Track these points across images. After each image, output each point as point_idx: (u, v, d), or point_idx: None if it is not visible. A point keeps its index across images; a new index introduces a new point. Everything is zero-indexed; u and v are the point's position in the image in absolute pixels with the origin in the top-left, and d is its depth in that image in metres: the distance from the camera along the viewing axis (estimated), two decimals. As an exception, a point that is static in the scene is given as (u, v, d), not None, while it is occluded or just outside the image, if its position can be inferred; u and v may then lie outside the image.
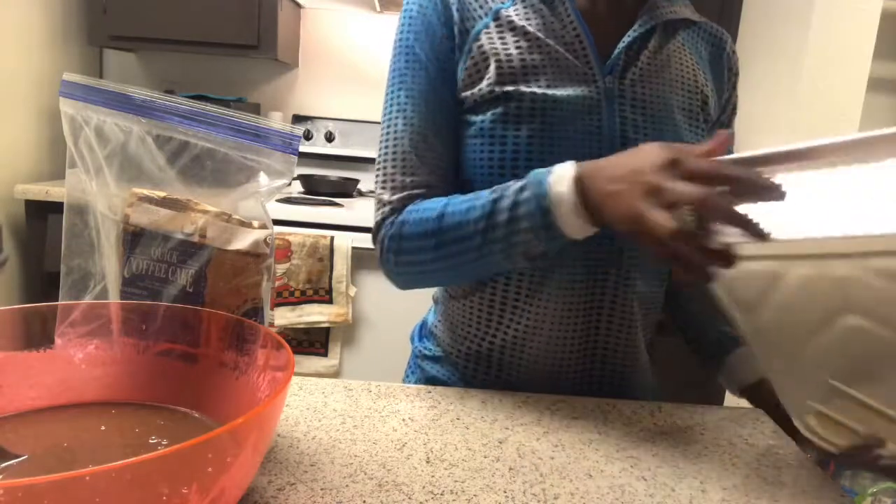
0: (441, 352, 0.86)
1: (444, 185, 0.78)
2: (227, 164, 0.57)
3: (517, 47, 0.75)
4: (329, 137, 2.47)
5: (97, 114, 0.56)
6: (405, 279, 0.78)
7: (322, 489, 0.53)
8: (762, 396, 0.80)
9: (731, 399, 1.32)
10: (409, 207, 0.76)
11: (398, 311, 2.00)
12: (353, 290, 1.97)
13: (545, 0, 0.78)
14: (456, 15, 0.77)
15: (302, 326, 1.94)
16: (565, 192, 0.63)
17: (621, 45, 0.76)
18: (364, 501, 0.52)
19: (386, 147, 0.79)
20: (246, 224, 0.59)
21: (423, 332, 0.91)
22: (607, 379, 0.80)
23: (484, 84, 0.75)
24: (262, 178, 0.58)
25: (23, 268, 2.10)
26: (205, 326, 0.57)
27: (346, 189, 2.35)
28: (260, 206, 0.60)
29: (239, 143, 0.57)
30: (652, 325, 0.85)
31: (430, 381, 0.86)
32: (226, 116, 0.57)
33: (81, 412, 0.54)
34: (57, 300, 0.57)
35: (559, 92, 0.74)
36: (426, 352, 0.88)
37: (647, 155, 0.59)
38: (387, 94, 0.80)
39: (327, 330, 1.99)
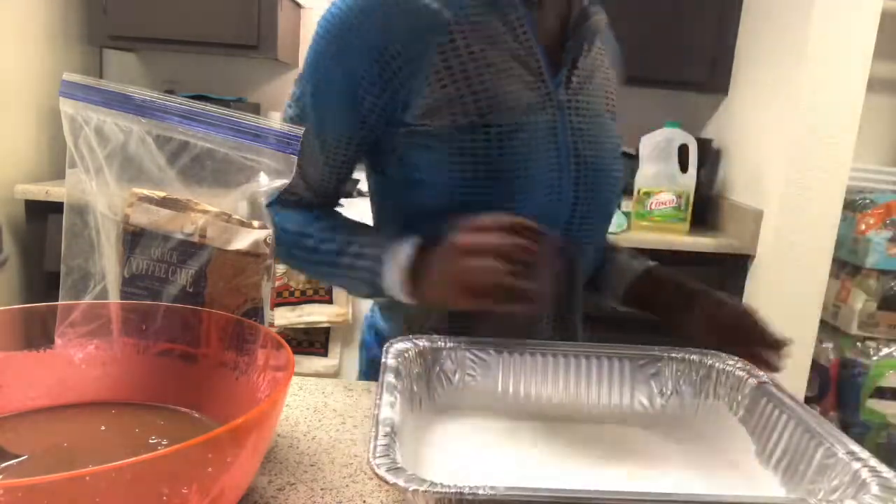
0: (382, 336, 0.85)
1: (316, 194, 0.80)
2: (227, 164, 0.57)
3: (474, 73, 0.72)
4: (329, 137, 2.47)
5: (97, 114, 0.56)
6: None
7: (322, 489, 0.53)
8: (650, 289, 0.86)
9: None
10: (280, 212, 0.77)
11: (398, 311, 2.00)
12: (353, 290, 1.97)
13: (500, 19, 0.74)
14: (399, 38, 0.71)
15: (302, 326, 1.94)
16: (399, 275, 0.70)
17: (568, 54, 0.76)
18: (364, 501, 0.52)
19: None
20: (246, 224, 0.59)
21: (373, 320, 0.91)
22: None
23: (447, 121, 0.72)
24: (262, 178, 0.58)
25: (23, 268, 2.10)
26: (205, 326, 0.57)
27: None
28: (260, 206, 0.60)
29: (239, 143, 0.57)
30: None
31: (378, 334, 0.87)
32: (226, 116, 0.57)
33: (81, 412, 0.55)
34: (57, 300, 0.57)
35: (524, 118, 0.73)
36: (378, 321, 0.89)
37: (446, 255, 0.67)
38: (299, 84, 0.77)
39: (327, 330, 1.99)
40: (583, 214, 0.79)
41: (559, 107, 0.76)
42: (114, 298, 0.58)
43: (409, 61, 0.71)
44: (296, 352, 1.95)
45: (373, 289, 0.73)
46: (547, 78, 0.76)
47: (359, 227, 0.79)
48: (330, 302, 1.96)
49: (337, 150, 0.77)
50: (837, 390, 2.13)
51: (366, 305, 2.01)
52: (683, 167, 2.12)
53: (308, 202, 0.80)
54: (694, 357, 0.69)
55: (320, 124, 0.75)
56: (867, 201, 2.06)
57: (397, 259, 0.70)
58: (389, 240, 0.72)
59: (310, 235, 0.76)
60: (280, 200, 0.73)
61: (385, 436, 0.48)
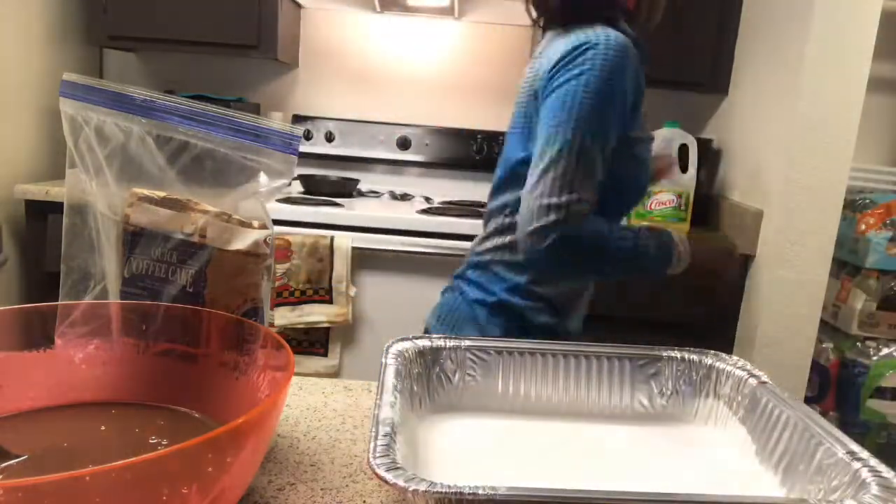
0: (540, 301, 1.08)
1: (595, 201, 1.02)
2: (227, 164, 0.57)
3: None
4: (329, 137, 2.47)
5: (97, 114, 0.56)
6: (560, 270, 1.03)
7: (322, 489, 0.53)
8: None
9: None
10: (585, 226, 0.96)
11: (398, 311, 2.00)
12: (353, 290, 1.97)
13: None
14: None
15: (302, 326, 1.94)
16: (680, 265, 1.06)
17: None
18: (364, 501, 0.52)
19: (570, 152, 0.95)
20: (246, 224, 0.59)
21: (515, 291, 1.08)
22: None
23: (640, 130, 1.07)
24: (262, 178, 0.58)
25: (23, 268, 2.10)
26: (205, 326, 0.57)
27: (346, 189, 2.35)
28: (260, 206, 0.60)
29: (239, 143, 0.57)
30: None
31: (540, 328, 1.08)
32: (226, 116, 0.57)
33: (81, 412, 0.54)
34: (57, 300, 0.57)
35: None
36: (522, 303, 1.08)
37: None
38: (579, 112, 0.96)
39: (327, 330, 1.99)
40: None
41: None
42: (114, 298, 0.58)
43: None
44: (296, 352, 1.95)
45: (667, 265, 1.04)
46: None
47: (625, 227, 1.06)
48: (330, 302, 1.96)
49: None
50: (837, 390, 2.13)
51: (366, 305, 2.01)
52: (683, 167, 2.12)
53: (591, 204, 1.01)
54: (694, 357, 0.69)
55: (605, 136, 0.99)
56: (867, 201, 2.06)
57: (678, 240, 1.06)
58: (658, 231, 1.06)
59: (613, 236, 1.01)
60: (580, 213, 0.96)
61: (385, 436, 0.48)
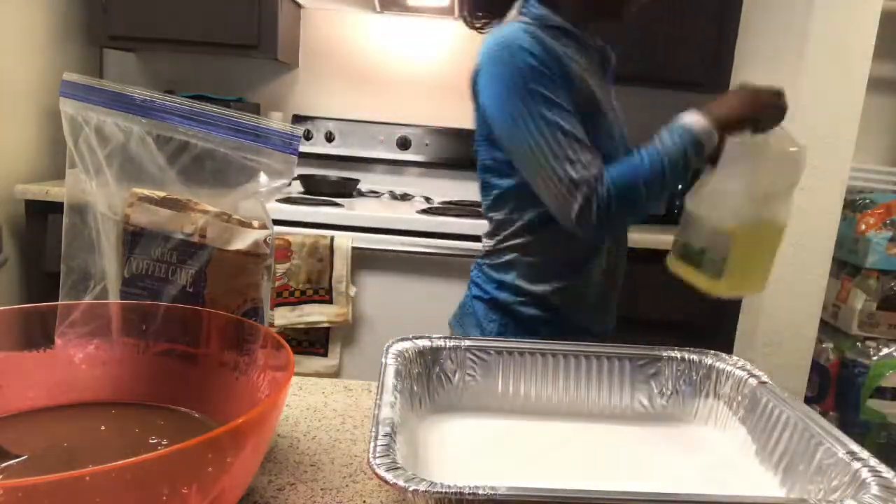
0: (529, 297, 1.09)
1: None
2: (227, 164, 0.57)
3: (589, 86, 1.03)
4: (329, 137, 2.47)
5: (97, 114, 0.56)
6: (611, 227, 1.00)
7: (322, 489, 0.53)
8: None
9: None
10: (606, 176, 0.96)
11: (398, 311, 2.00)
12: (353, 290, 1.97)
13: (574, 40, 1.06)
14: (558, 54, 1.00)
15: (302, 326, 1.94)
16: (708, 128, 0.99)
17: (613, 60, 1.15)
18: (364, 501, 0.52)
19: (542, 138, 0.96)
20: (246, 224, 0.59)
21: (502, 288, 1.11)
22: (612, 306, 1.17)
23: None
24: (262, 178, 0.58)
25: (23, 268, 2.10)
26: (205, 326, 0.57)
27: (346, 189, 2.35)
28: (260, 206, 0.60)
29: (239, 143, 0.57)
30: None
31: (530, 320, 1.09)
32: (226, 116, 0.57)
33: (81, 412, 0.54)
34: (57, 300, 0.57)
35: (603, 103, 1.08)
36: (510, 300, 1.09)
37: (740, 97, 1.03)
38: (519, 102, 0.97)
39: (327, 330, 1.99)
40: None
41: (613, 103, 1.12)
42: (114, 298, 0.58)
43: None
44: (296, 352, 1.95)
45: (700, 146, 0.99)
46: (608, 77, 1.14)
47: (641, 152, 1.01)
48: (330, 302, 1.96)
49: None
50: (837, 390, 2.13)
51: (366, 305, 2.01)
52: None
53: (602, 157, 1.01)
54: (694, 357, 0.69)
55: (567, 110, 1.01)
56: (867, 201, 2.06)
57: (690, 115, 1.01)
58: (669, 128, 1.01)
59: (645, 167, 0.98)
60: (597, 175, 0.97)
61: (385, 436, 0.48)
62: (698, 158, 0.99)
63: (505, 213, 1.09)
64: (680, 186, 1.09)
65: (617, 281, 1.15)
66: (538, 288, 1.08)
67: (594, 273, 1.10)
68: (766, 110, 1.01)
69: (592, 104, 1.03)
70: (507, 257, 1.10)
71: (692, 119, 0.99)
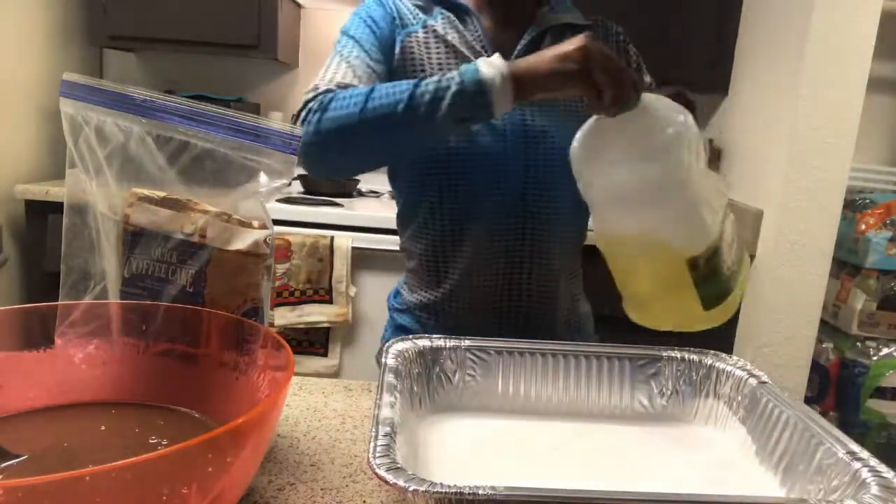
0: (405, 305, 1.02)
1: None
2: (227, 164, 0.57)
3: (437, 53, 0.91)
4: (329, 137, 2.47)
5: (97, 114, 0.56)
6: (320, 150, 0.81)
7: (322, 489, 0.53)
8: None
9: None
10: (340, 91, 0.83)
11: (398, 311, 1.99)
12: (352, 290, 1.97)
13: (459, 16, 0.94)
14: (396, 13, 0.93)
15: (302, 326, 1.94)
16: (498, 64, 0.75)
17: (515, 52, 0.92)
18: (364, 501, 0.52)
19: (324, 70, 0.91)
20: (246, 224, 0.59)
21: (396, 292, 1.07)
22: (532, 321, 0.95)
23: (409, 73, 0.90)
24: (262, 178, 0.58)
25: (23, 268, 2.10)
26: (205, 326, 0.57)
27: (346, 189, 2.35)
28: (260, 206, 0.60)
29: (239, 143, 0.57)
30: (572, 278, 1.00)
31: (399, 329, 1.02)
32: (226, 116, 0.57)
33: (81, 412, 0.55)
34: (57, 300, 0.57)
35: None
36: (396, 305, 1.04)
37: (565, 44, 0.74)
38: (338, 41, 0.95)
39: (327, 330, 1.99)
40: (537, 187, 0.91)
41: None
42: (114, 298, 0.58)
43: (399, 28, 0.93)
44: (296, 352, 1.95)
45: (465, 86, 0.75)
46: None
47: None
48: (330, 302, 1.96)
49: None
50: (837, 390, 2.13)
51: (366, 305, 2.01)
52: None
53: None
54: (694, 357, 0.69)
55: (366, 56, 0.91)
56: (867, 201, 2.06)
57: (486, 59, 0.77)
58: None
59: (384, 84, 0.80)
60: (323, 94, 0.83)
61: (385, 436, 0.48)
62: (465, 105, 0.75)
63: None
64: (427, 134, 0.81)
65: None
66: (409, 297, 1.00)
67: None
68: (594, 64, 0.71)
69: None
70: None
71: (487, 61, 0.76)
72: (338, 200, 2.14)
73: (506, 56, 0.83)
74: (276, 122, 0.59)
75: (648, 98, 0.72)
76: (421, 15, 0.94)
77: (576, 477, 0.56)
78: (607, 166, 0.72)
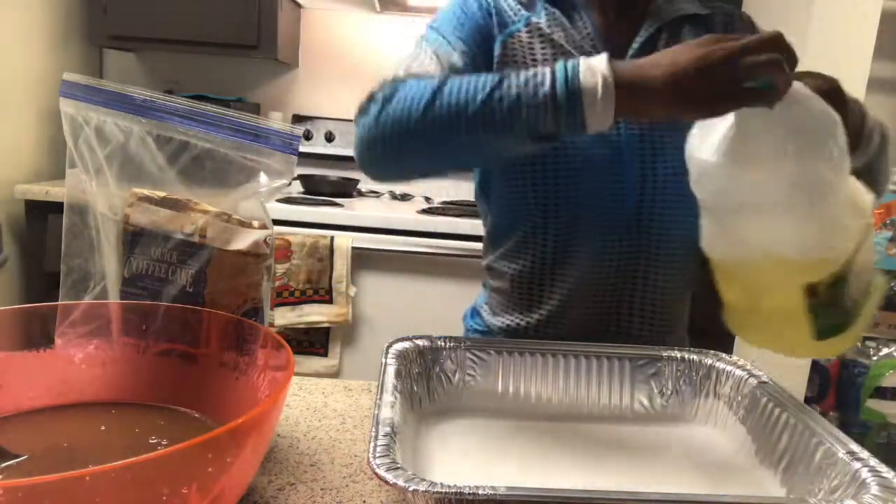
0: (486, 327, 0.91)
1: None
2: (227, 164, 0.57)
3: (542, 54, 0.81)
4: (329, 137, 2.47)
5: (97, 114, 0.56)
6: (375, 141, 0.72)
7: (322, 489, 0.53)
8: None
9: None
10: (405, 81, 0.73)
11: (398, 311, 2.00)
12: (353, 290, 1.97)
13: (566, 12, 0.83)
14: (494, 10, 0.83)
15: (302, 326, 1.94)
16: (599, 66, 0.62)
17: (630, 52, 0.81)
18: (364, 501, 0.52)
19: (402, 63, 0.80)
20: (246, 224, 0.59)
21: (473, 311, 0.96)
22: None
23: None
24: (262, 178, 0.58)
25: (23, 268, 2.10)
26: (205, 326, 0.57)
27: (346, 189, 2.35)
28: (260, 206, 0.60)
29: (239, 143, 0.57)
30: (682, 305, 0.89)
31: None
32: (226, 116, 0.57)
33: (81, 412, 0.55)
34: (57, 300, 0.57)
35: None
36: (475, 326, 0.94)
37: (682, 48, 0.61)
38: (423, 38, 0.83)
39: (327, 330, 1.99)
40: (652, 201, 0.80)
41: None
42: (114, 298, 0.58)
43: (501, 25, 0.83)
44: (296, 352, 1.95)
45: (557, 90, 0.62)
46: None
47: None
48: (330, 302, 1.96)
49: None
50: (837, 390, 2.13)
51: (366, 305, 2.01)
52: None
53: None
54: (694, 357, 0.69)
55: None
56: (867, 201, 2.06)
57: (593, 59, 0.63)
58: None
59: (460, 77, 0.68)
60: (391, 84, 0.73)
61: (385, 436, 0.48)
62: (551, 118, 0.63)
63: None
64: (501, 146, 0.68)
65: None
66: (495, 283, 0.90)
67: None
68: (722, 80, 0.58)
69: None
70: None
71: (589, 63, 0.62)
72: (338, 200, 2.14)
73: (623, 41, 0.80)
74: (276, 122, 0.59)
75: (795, 87, 0.60)
76: (523, 11, 0.83)
77: (576, 477, 0.56)
78: (738, 167, 0.60)
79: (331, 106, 2.54)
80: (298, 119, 2.49)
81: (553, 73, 0.63)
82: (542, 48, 0.81)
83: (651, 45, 0.81)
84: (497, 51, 0.81)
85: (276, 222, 0.61)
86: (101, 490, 0.35)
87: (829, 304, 0.61)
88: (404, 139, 0.70)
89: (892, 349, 2.07)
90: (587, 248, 0.81)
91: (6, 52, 2.00)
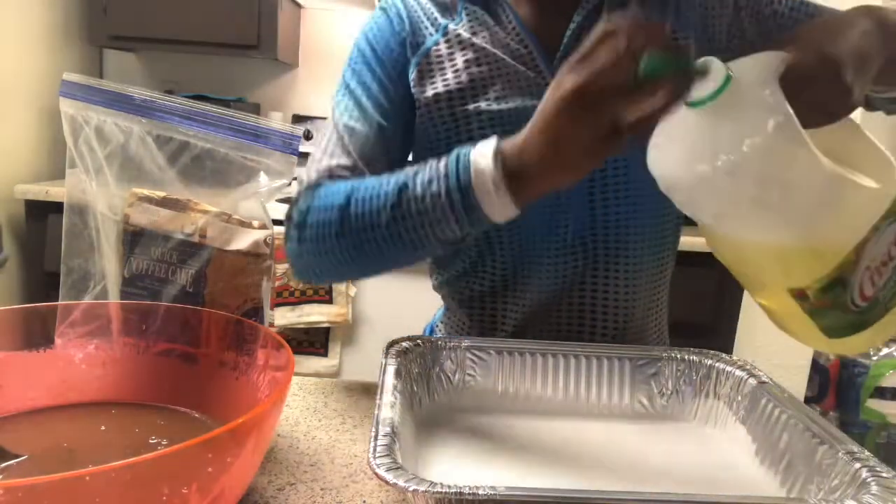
0: None
1: (370, 170, 0.74)
2: (227, 164, 0.57)
3: (465, 61, 0.75)
4: (329, 137, 2.47)
5: (97, 114, 0.57)
6: (306, 262, 0.72)
7: (322, 489, 0.53)
8: None
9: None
10: (324, 184, 0.71)
11: (398, 311, 2.00)
12: (352, 290, 1.97)
13: (489, 11, 0.77)
14: (407, 28, 0.78)
15: (302, 326, 1.94)
16: (488, 164, 0.56)
17: (566, 36, 0.73)
18: (364, 501, 0.52)
19: (321, 137, 0.79)
20: (246, 224, 0.59)
21: (431, 327, 0.94)
22: None
23: (430, 95, 0.75)
24: (262, 178, 0.58)
25: (23, 268, 2.10)
26: (205, 326, 0.57)
27: (346, 189, 2.35)
28: (260, 206, 0.60)
29: (239, 143, 0.57)
30: (657, 300, 0.83)
31: None
32: (226, 116, 0.57)
33: (81, 412, 0.55)
34: (57, 300, 0.57)
35: (507, 105, 0.73)
36: None
37: (550, 94, 0.55)
38: (338, 87, 0.81)
39: (327, 330, 1.99)
40: (605, 206, 0.75)
41: None
42: (114, 298, 0.58)
43: (414, 46, 0.78)
44: (296, 352, 1.95)
45: (453, 197, 0.58)
46: (542, 67, 0.74)
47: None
48: (330, 302, 1.96)
49: (391, 124, 0.77)
50: (837, 390, 2.13)
51: (366, 305, 2.01)
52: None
53: (357, 171, 0.75)
54: (694, 357, 0.69)
55: (367, 101, 0.78)
56: (867, 201, 2.06)
57: (481, 147, 0.58)
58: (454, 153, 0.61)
59: (364, 186, 0.65)
60: (312, 184, 0.72)
61: (385, 436, 0.48)
62: (457, 226, 0.59)
63: None
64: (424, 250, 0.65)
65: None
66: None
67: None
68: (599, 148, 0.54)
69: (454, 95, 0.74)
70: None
71: (483, 161, 0.57)
72: (338, 200, 2.15)
73: (553, 47, 0.72)
74: (276, 122, 0.59)
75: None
76: (440, 20, 0.78)
77: (576, 477, 0.56)
78: (705, 177, 0.53)
79: (331, 106, 2.54)
80: (298, 119, 2.49)
81: (446, 178, 0.59)
82: (464, 55, 0.75)
83: (588, 28, 0.69)
84: (412, 75, 0.77)
85: (276, 222, 0.61)
86: (101, 490, 0.35)
87: (827, 308, 0.54)
88: (327, 264, 0.70)
89: (892, 349, 2.07)
90: (537, 270, 0.77)
91: (6, 52, 2.00)
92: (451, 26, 0.77)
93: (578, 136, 0.53)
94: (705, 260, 2.06)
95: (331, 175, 0.73)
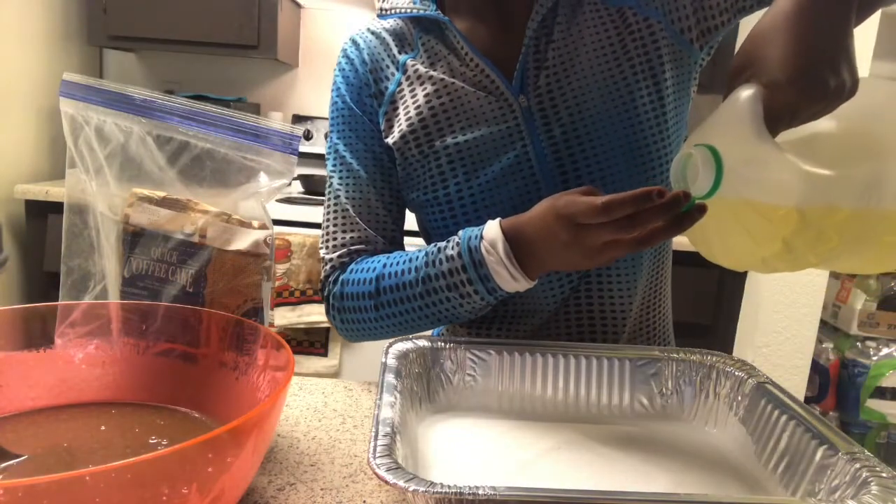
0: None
1: (384, 239, 0.82)
2: (227, 164, 0.57)
3: (425, 96, 0.75)
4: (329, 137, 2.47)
5: (97, 114, 0.57)
6: (353, 335, 0.80)
7: (322, 489, 0.53)
8: None
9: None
10: (350, 266, 0.79)
11: (398, 311, 1.99)
12: (353, 290, 1.97)
13: (443, 41, 0.77)
14: (370, 77, 0.79)
15: (302, 326, 1.94)
16: (502, 263, 0.65)
17: (523, 50, 0.73)
18: (364, 501, 0.52)
19: (327, 203, 0.84)
20: (246, 224, 0.59)
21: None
22: None
23: (397, 136, 0.77)
24: (262, 178, 0.58)
25: (23, 268, 2.10)
26: (205, 326, 0.57)
27: (346, 189, 2.35)
28: (260, 206, 0.60)
29: (239, 143, 0.57)
30: (657, 300, 0.83)
31: None
32: (226, 116, 0.57)
33: (81, 412, 0.55)
34: (57, 300, 0.57)
35: (473, 134, 0.74)
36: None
37: (554, 227, 0.62)
38: (328, 144, 0.83)
39: (327, 330, 1.99)
40: None
41: (526, 117, 0.72)
42: (114, 298, 0.58)
43: (378, 95, 0.79)
44: (296, 352, 1.95)
45: (477, 287, 0.67)
46: (504, 88, 0.73)
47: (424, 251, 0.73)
48: (330, 302, 1.96)
49: (384, 177, 0.81)
50: (837, 390, 2.13)
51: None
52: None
53: (373, 243, 0.82)
54: (694, 357, 0.69)
55: (359, 160, 0.81)
56: (867, 201, 2.06)
57: (494, 248, 0.65)
58: (465, 234, 0.68)
59: (388, 273, 0.74)
60: (340, 264, 0.81)
61: (385, 436, 0.48)
62: (482, 301, 0.69)
63: None
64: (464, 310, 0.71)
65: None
66: None
67: None
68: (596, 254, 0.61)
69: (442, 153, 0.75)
70: None
71: (495, 235, 0.65)
72: (338, 200, 2.14)
73: (509, 67, 0.73)
74: (276, 122, 0.59)
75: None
76: (399, 56, 0.78)
77: (576, 477, 0.56)
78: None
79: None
80: (298, 119, 2.49)
81: (465, 269, 0.67)
82: (423, 89, 0.76)
83: (546, 39, 0.74)
84: (382, 125, 0.78)
85: (276, 222, 0.61)
86: (101, 490, 0.35)
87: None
88: (372, 335, 0.79)
89: (892, 349, 2.08)
90: (534, 287, 0.76)
91: (6, 52, 2.00)
92: (410, 61, 0.78)
93: (579, 264, 0.63)
94: (705, 260, 2.06)
95: (349, 253, 0.80)
